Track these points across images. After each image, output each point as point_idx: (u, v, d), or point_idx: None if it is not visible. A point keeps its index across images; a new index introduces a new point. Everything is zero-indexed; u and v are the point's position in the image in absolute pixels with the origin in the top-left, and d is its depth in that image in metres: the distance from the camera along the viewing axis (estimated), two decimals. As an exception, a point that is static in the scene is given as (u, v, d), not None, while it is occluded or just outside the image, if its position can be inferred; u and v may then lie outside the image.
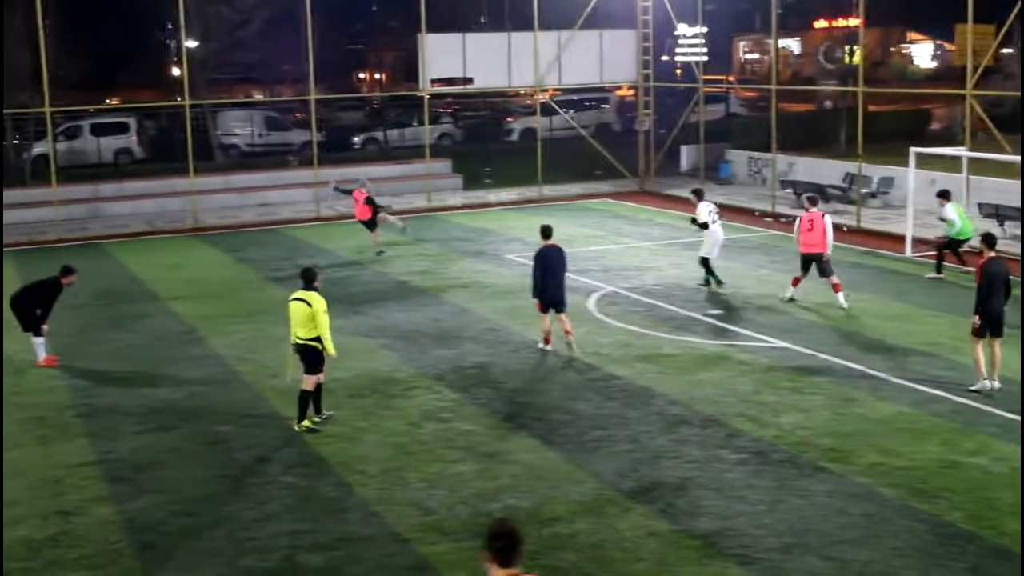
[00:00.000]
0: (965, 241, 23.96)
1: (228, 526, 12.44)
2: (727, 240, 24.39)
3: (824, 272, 21.50)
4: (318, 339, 15.10)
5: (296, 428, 15.31)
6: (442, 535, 12.05)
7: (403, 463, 14.11)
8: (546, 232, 18.83)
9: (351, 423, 15.58)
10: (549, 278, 18.42)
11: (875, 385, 16.71)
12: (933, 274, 23.96)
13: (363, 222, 28.23)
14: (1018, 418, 15.05)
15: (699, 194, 23.99)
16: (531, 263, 19.10)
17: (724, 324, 20.45)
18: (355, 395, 16.76)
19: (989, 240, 16.62)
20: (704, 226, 23.16)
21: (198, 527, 12.46)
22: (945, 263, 24.00)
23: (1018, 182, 30.04)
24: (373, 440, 14.94)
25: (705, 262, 23.46)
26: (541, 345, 18.97)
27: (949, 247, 24.08)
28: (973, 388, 16.21)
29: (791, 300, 21.75)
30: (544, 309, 18.74)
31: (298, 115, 51.47)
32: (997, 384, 16.20)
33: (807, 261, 21.59)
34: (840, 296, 21.26)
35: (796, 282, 21.93)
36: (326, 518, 12.57)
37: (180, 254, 29.55)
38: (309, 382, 15.30)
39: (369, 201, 27.82)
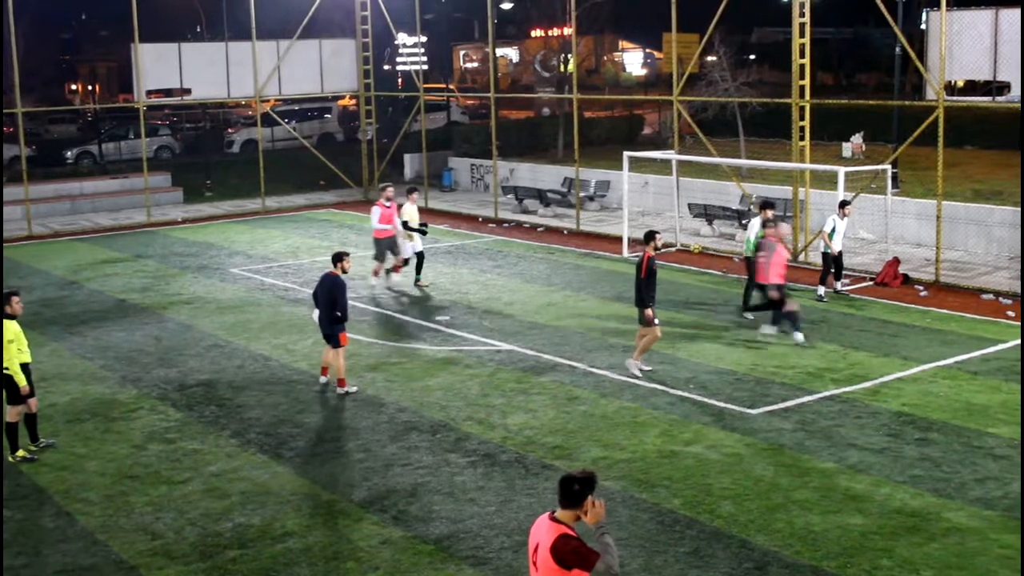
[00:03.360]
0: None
1: (-63, 567, 11.74)
2: (452, 246, 24.72)
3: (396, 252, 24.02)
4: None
5: (11, 459, 14.56)
6: (170, 559, 11.74)
7: (127, 487, 13.67)
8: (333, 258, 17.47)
9: (70, 450, 14.96)
10: (320, 308, 17.20)
11: (597, 382, 17.30)
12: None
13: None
14: (729, 405, 15.94)
15: (408, 192, 25.36)
16: (254, 276, 18.78)
17: (451, 330, 20.70)
18: (73, 420, 16.09)
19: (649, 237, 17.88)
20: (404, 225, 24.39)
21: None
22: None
23: (724, 183, 31.77)
24: (94, 466, 14.40)
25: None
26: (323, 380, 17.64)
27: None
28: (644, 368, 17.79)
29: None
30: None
31: (6, 128, 48.83)
32: (648, 367, 17.77)
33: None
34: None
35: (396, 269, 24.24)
36: (46, 550, 12.04)
37: None
38: (11, 412, 14.45)
39: None
